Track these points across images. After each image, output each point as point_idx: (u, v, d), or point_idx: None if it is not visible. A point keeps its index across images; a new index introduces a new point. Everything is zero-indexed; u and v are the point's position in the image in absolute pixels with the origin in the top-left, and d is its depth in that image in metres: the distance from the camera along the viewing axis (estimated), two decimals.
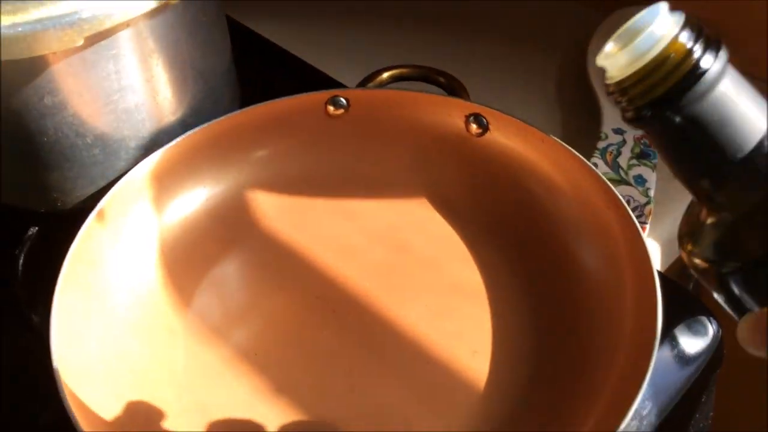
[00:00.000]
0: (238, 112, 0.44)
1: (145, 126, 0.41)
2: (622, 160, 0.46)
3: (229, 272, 0.41)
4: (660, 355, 0.35)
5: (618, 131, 0.48)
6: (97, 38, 0.36)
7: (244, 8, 0.62)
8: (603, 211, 0.38)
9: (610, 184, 0.38)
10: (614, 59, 0.19)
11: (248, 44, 0.59)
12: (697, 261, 0.21)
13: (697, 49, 0.19)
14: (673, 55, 0.19)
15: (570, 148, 0.39)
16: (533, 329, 0.37)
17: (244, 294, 0.40)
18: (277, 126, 0.44)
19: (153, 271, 0.40)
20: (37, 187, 0.42)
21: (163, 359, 0.36)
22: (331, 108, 0.45)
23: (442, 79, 0.47)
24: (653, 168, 0.46)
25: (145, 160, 0.40)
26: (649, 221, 0.44)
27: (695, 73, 0.19)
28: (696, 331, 0.41)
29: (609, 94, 0.20)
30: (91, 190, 0.42)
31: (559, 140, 0.40)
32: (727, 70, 0.19)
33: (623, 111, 0.20)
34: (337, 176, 0.45)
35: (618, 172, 0.46)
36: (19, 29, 0.34)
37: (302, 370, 0.36)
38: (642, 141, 0.48)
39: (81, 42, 0.35)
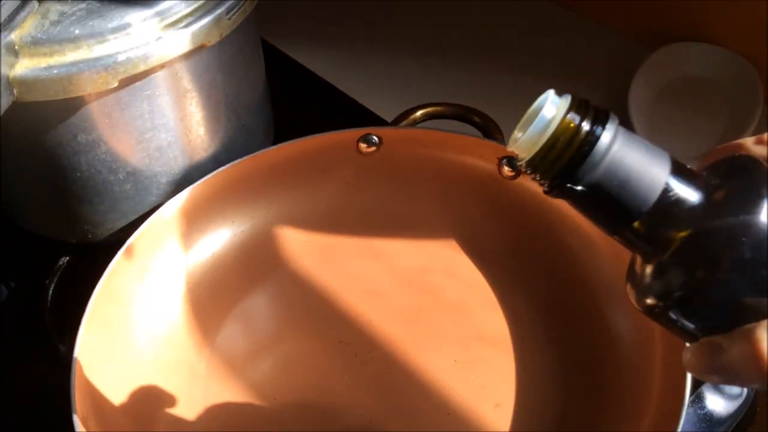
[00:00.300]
0: (270, 149, 0.44)
1: (177, 162, 0.42)
2: None
3: (254, 311, 0.41)
4: (688, 416, 0.34)
5: None
6: (132, 80, 0.37)
7: (283, 34, 0.63)
8: None
9: None
10: (518, 143, 0.22)
11: (285, 70, 0.59)
12: (640, 302, 0.23)
13: (585, 125, 0.21)
14: (563, 134, 0.21)
15: None
16: (558, 384, 0.36)
17: (267, 334, 0.40)
18: (308, 163, 0.44)
19: (178, 308, 0.40)
20: (69, 219, 0.42)
21: (183, 398, 0.36)
22: (363, 145, 0.45)
23: (476, 119, 0.46)
24: None
25: (175, 197, 0.40)
26: None
27: (585, 146, 0.21)
28: (727, 391, 0.40)
29: (524, 172, 0.23)
30: (122, 223, 0.42)
31: None
32: (618, 136, 0.21)
33: (540, 185, 0.23)
34: (366, 215, 0.44)
35: None
36: (54, 71, 0.34)
37: (320, 417, 0.36)
38: None
39: (115, 84, 0.36)
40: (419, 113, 0.47)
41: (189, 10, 0.37)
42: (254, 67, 0.45)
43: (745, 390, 0.39)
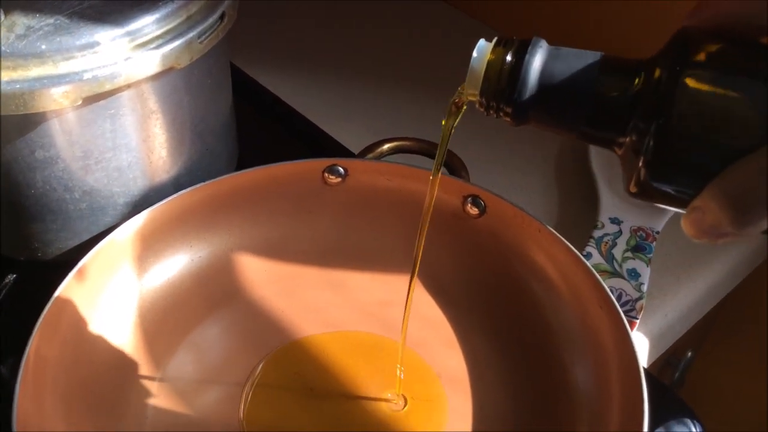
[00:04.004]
0: (233, 174, 0.43)
1: (136, 184, 0.41)
2: (617, 252, 0.46)
3: (208, 340, 0.40)
4: None
5: (615, 221, 0.48)
6: (96, 98, 0.36)
7: (253, 60, 0.62)
8: (594, 308, 0.37)
9: (604, 283, 0.37)
10: (465, 83, 0.26)
11: (253, 96, 0.59)
12: (629, 188, 0.24)
13: (511, 49, 0.25)
14: (495, 60, 0.25)
15: (566, 242, 0.39)
16: (514, 425, 0.36)
17: (220, 364, 0.39)
18: (272, 191, 0.44)
19: (128, 334, 0.39)
20: (18, 235, 0.41)
21: (130, 428, 0.35)
22: (328, 176, 0.44)
23: None
24: (647, 263, 0.45)
25: (131, 219, 0.39)
26: (640, 316, 0.43)
27: (517, 64, 0.24)
28: None
29: (486, 113, 0.26)
30: (74, 243, 0.41)
31: (556, 232, 0.39)
32: (543, 51, 0.24)
33: (505, 118, 0.26)
34: (328, 246, 0.44)
35: (612, 264, 0.45)
36: (17, 86, 0.33)
37: None
38: (638, 233, 0.47)
39: (79, 102, 0.35)
40: (386, 146, 0.47)
41: (160, 31, 0.36)
42: (222, 91, 0.45)
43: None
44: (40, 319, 0.34)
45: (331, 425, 0.36)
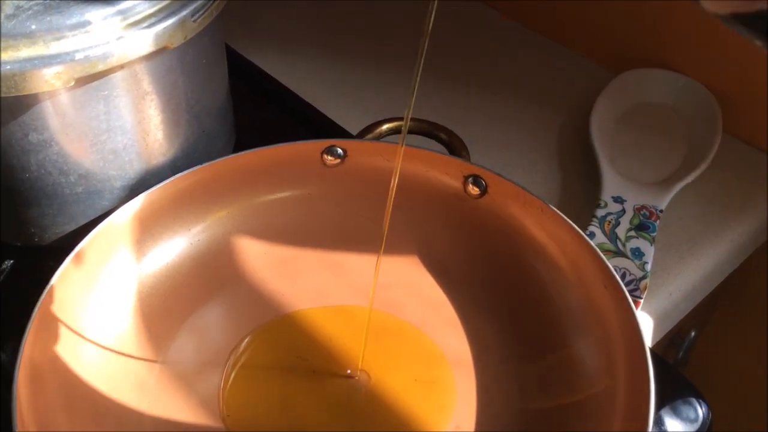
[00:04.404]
0: (231, 156, 0.42)
1: (132, 167, 0.40)
2: (621, 231, 0.45)
3: (207, 324, 0.39)
4: None
5: (618, 200, 0.47)
6: (89, 79, 0.35)
7: (250, 42, 0.61)
8: (598, 288, 0.37)
9: (608, 263, 0.36)
10: None
11: (250, 78, 0.58)
12: None
13: None
14: None
15: (569, 221, 0.38)
16: (518, 407, 0.36)
17: (220, 348, 0.38)
18: (270, 173, 0.43)
19: (128, 318, 0.38)
20: (14, 221, 0.40)
21: (130, 412, 0.35)
22: (327, 157, 0.44)
23: (443, 135, 0.46)
24: (651, 241, 0.45)
25: (129, 202, 0.39)
26: (644, 296, 0.43)
27: None
28: (685, 414, 0.40)
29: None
30: (71, 227, 0.41)
31: (558, 211, 0.39)
32: None
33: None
34: (328, 228, 0.43)
35: (615, 243, 0.45)
36: (8, 68, 0.33)
37: None
38: (642, 212, 0.47)
39: (72, 83, 0.34)
40: (385, 127, 0.47)
41: (153, 10, 0.35)
42: (217, 72, 0.44)
43: (701, 414, 0.39)
44: (38, 305, 0.34)
45: (335, 407, 0.36)
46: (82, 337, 0.36)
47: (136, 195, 0.39)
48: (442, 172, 0.43)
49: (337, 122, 0.53)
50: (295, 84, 0.57)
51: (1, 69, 0.33)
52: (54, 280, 0.35)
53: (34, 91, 0.34)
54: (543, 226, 0.40)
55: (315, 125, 0.54)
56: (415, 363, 0.38)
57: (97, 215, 0.40)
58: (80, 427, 0.33)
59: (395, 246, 0.43)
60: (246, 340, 0.38)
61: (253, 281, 0.41)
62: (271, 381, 0.37)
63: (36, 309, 0.34)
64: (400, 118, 0.47)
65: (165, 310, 0.39)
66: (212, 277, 0.41)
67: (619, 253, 0.44)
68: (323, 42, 0.63)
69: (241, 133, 0.49)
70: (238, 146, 0.48)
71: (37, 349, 0.33)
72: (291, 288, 0.41)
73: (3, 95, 0.33)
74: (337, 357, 0.38)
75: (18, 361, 0.32)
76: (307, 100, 0.56)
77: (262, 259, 0.42)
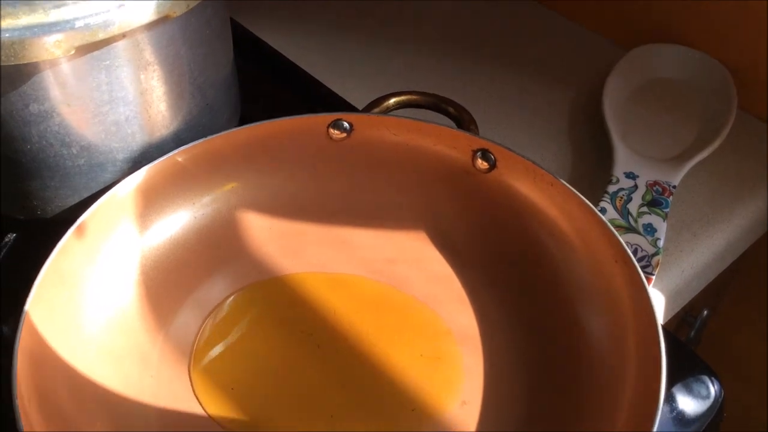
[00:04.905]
0: (236, 129, 0.42)
1: (135, 139, 0.39)
2: (632, 207, 0.44)
3: (211, 298, 0.39)
4: (660, 417, 0.33)
5: (630, 176, 0.46)
6: (90, 48, 0.34)
7: (254, 15, 0.61)
8: (610, 264, 0.36)
9: (620, 237, 0.36)
10: None
11: (254, 52, 0.57)
12: None
13: None
14: None
15: (580, 195, 0.37)
16: (527, 382, 0.35)
17: (224, 322, 0.38)
18: (275, 146, 0.42)
19: (131, 292, 0.38)
20: (16, 193, 0.40)
21: (133, 386, 0.34)
22: (333, 131, 0.43)
23: (451, 109, 0.45)
24: (664, 217, 0.44)
25: (131, 175, 0.38)
26: (656, 272, 0.42)
27: None
28: (697, 391, 0.39)
29: None
30: (74, 200, 0.40)
31: (569, 186, 0.38)
32: None
33: None
34: (333, 202, 0.43)
35: (627, 219, 0.44)
36: (6, 35, 0.32)
37: (280, 409, 0.34)
38: (654, 188, 0.46)
39: (72, 52, 0.33)
40: (392, 101, 0.46)
41: None
42: (221, 43, 0.43)
43: (713, 391, 0.39)
44: (40, 277, 0.33)
45: (341, 382, 0.35)
46: (84, 310, 0.35)
47: (139, 168, 0.39)
48: (450, 146, 0.42)
49: (343, 97, 0.52)
50: (300, 58, 0.56)
51: (1, 37, 0.32)
52: (55, 252, 0.35)
53: (34, 60, 0.33)
54: (553, 201, 0.39)
55: (320, 100, 0.53)
56: (421, 338, 0.37)
57: (100, 188, 0.40)
58: (81, 401, 0.33)
59: (401, 221, 0.42)
60: (251, 311, 0.38)
61: (257, 256, 0.41)
62: (276, 352, 0.36)
63: (38, 281, 0.33)
64: (407, 92, 0.46)
65: (168, 284, 0.39)
66: (217, 250, 0.40)
67: (630, 229, 0.43)
68: (329, 15, 0.62)
69: (246, 107, 0.48)
70: (243, 120, 0.47)
71: (38, 322, 0.33)
72: (296, 263, 0.41)
73: (3, 63, 0.33)
74: (342, 329, 0.37)
75: (18, 334, 0.31)
76: (313, 74, 0.55)
77: (267, 233, 0.42)
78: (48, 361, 0.32)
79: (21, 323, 0.32)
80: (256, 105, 0.50)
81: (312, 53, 0.58)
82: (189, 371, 0.36)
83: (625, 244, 0.36)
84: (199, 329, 0.38)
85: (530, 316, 0.37)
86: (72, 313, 0.35)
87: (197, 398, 0.35)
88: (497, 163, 0.41)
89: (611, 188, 0.45)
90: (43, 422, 0.30)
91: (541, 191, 0.39)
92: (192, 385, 0.35)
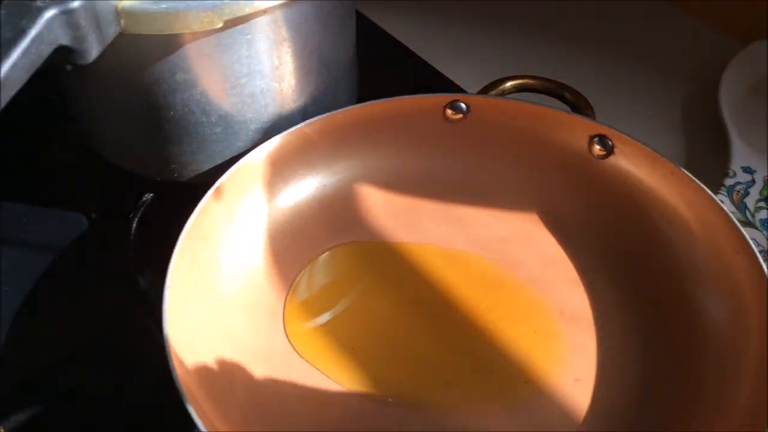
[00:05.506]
0: (358, 106, 0.43)
1: (267, 111, 0.42)
2: (750, 201, 0.44)
3: (333, 263, 0.41)
4: None
5: (747, 170, 0.46)
6: (235, 22, 0.37)
7: (371, 2, 0.62)
8: (730, 255, 0.36)
9: (742, 229, 0.35)
10: None
11: (371, 38, 0.58)
12: None
13: None
14: None
15: (701, 184, 0.37)
16: (641, 364, 0.36)
17: (345, 286, 0.40)
18: (393, 124, 0.44)
19: (260, 252, 0.40)
20: (157, 157, 0.43)
21: (262, 340, 0.37)
22: (450, 112, 0.44)
23: (568, 95, 0.45)
24: None
25: (265, 143, 0.40)
26: None
27: None
28: None
29: None
30: (208, 165, 0.43)
31: (690, 174, 0.38)
32: None
33: None
34: (448, 181, 0.44)
35: (744, 214, 0.43)
36: (163, 6, 0.34)
37: (399, 373, 0.36)
38: None
39: (220, 24, 0.36)
40: (508, 84, 0.47)
41: None
42: (348, 24, 0.45)
43: None
44: (184, 232, 0.36)
45: (455, 350, 0.37)
46: (220, 266, 0.38)
47: (268, 138, 0.41)
48: (567, 131, 0.42)
49: (456, 83, 0.53)
50: (414, 43, 0.57)
51: (157, 7, 0.35)
52: (197, 211, 0.37)
53: (186, 31, 0.36)
54: (673, 189, 0.39)
55: (434, 85, 0.54)
56: (533, 316, 0.38)
57: (233, 155, 0.42)
58: (215, 346, 0.35)
59: (515, 202, 0.43)
60: (366, 276, 0.40)
61: (374, 226, 0.42)
62: (394, 317, 0.38)
63: (182, 235, 0.36)
64: (524, 76, 0.47)
65: (293, 249, 0.41)
66: (337, 221, 0.42)
67: (748, 224, 0.43)
68: (445, 2, 0.63)
69: (363, 90, 0.50)
70: (361, 100, 0.49)
71: (181, 274, 0.35)
72: (411, 236, 0.42)
73: (157, 32, 0.35)
74: (456, 301, 0.38)
75: (167, 282, 0.34)
76: (428, 60, 0.56)
77: (384, 207, 0.43)
78: (189, 310, 0.35)
79: (169, 272, 0.34)
80: (372, 89, 0.52)
81: (426, 38, 0.59)
82: (311, 329, 0.38)
83: (747, 235, 0.35)
84: (320, 290, 0.40)
85: (647, 300, 0.38)
86: (210, 268, 0.37)
87: (316, 357, 0.37)
88: (615, 150, 0.41)
89: (728, 181, 0.45)
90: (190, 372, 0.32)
91: (660, 178, 0.39)
92: (312, 344, 0.37)
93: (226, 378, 0.34)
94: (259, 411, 0.34)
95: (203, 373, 0.33)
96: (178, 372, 0.30)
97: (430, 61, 0.56)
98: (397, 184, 0.44)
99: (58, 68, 0.36)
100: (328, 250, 0.41)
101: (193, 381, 0.32)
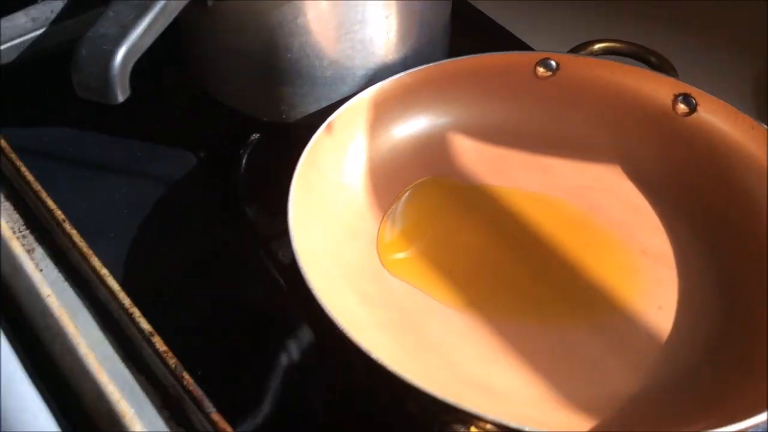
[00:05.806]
0: (453, 59, 0.47)
1: (373, 58, 0.45)
2: None
3: (426, 199, 0.44)
4: None
5: None
6: None
7: None
8: None
9: None
10: None
11: (456, 8, 0.61)
12: None
13: None
14: None
15: None
16: (720, 295, 0.38)
17: (439, 219, 0.43)
18: (487, 78, 0.47)
19: (361, 185, 0.44)
20: (268, 97, 0.46)
21: (366, 260, 0.40)
22: (540, 69, 0.47)
23: (653, 59, 0.48)
24: None
25: (370, 88, 0.44)
26: None
27: None
28: None
29: None
30: (314, 108, 0.46)
31: None
32: None
33: None
34: (535, 133, 0.47)
35: None
36: None
37: (494, 295, 0.39)
38: None
39: None
40: (596, 47, 0.49)
41: None
42: None
43: None
44: (300, 162, 0.40)
45: (547, 280, 0.40)
46: (330, 194, 0.41)
47: (372, 84, 0.44)
48: (653, 89, 0.45)
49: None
50: (498, 15, 0.60)
51: None
52: (311, 143, 0.41)
53: None
54: (754, 142, 0.41)
55: None
56: (617, 254, 0.41)
57: (338, 99, 0.45)
58: (330, 267, 0.38)
59: (599, 155, 0.46)
60: (456, 213, 0.43)
61: (467, 171, 0.46)
62: (486, 246, 0.41)
63: (299, 164, 0.39)
64: (611, 40, 0.49)
65: (390, 182, 0.44)
66: (431, 163, 0.46)
67: None
68: None
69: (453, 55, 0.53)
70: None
71: (298, 199, 0.39)
72: (502, 182, 0.45)
73: None
74: (543, 238, 0.41)
75: (290, 203, 0.37)
76: (512, 30, 0.58)
77: (474, 155, 0.46)
78: (308, 233, 0.38)
79: (290, 200, 0.38)
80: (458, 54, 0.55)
81: (512, 10, 0.61)
82: (406, 256, 0.41)
83: None
84: (412, 222, 0.43)
85: (724, 244, 0.40)
86: (322, 195, 0.41)
87: (416, 278, 0.40)
88: (698, 108, 0.44)
89: None
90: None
91: (743, 133, 0.42)
92: (409, 268, 0.40)
93: (340, 293, 0.37)
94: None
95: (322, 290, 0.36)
96: (315, 288, 0.33)
97: (515, 31, 0.58)
98: (486, 133, 0.47)
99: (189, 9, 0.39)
100: (419, 184, 0.44)
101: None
